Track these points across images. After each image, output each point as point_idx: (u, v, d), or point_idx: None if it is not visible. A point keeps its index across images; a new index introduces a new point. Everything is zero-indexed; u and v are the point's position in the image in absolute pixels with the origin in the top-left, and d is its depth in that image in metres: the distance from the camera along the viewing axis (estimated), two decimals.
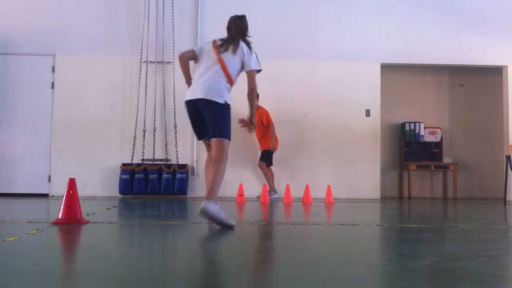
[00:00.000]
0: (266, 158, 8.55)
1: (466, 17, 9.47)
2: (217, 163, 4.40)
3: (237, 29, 4.79)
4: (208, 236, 3.99)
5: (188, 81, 4.77)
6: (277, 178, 8.73)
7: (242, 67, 4.66)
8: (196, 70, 4.70)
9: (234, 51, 4.64)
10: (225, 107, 4.48)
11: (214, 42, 4.77)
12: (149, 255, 3.11)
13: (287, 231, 4.37)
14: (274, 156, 8.69)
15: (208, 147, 4.66)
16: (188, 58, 4.77)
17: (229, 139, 4.52)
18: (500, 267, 2.77)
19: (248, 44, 4.75)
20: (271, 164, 8.65)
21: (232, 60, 4.62)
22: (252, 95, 4.70)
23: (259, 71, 4.72)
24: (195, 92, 4.53)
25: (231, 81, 4.59)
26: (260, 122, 8.39)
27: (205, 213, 4.20)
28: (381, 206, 7.51)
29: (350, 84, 9.19)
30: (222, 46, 4.69)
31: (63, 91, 8.95)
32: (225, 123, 4.49)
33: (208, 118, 4.48)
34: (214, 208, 4.20)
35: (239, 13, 4.99)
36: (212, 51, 4.67)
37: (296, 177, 8.99)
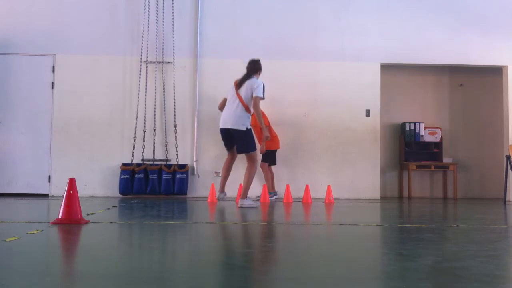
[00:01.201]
0: (268, 158, 8.53)
1: (466, 17, 9.47)
2: (250, 169, 6.58)
3: (249, 70, 6.74)
4: (208, 236, 3.99)
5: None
6: (277, 178, 8.73)
7: (251, 94, 6.54)
8: (226, 103, 6.75)
9: (245, 86, 6.57)
10: (247, 132, 6.56)
11: (235, 82, 6.71)
12: (149, 255, 3.11)
13: (287, 231, 4.38)
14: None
15: (230, 154, 6.83)
16: (222, 106, 6.86)
17: (255, 150, 6.62)
18: (500, 267, 2.77)
19: (255, 78, 6.69)
20: (274, 164, 8.62)
21: (245, 92, 6.55)
22: (257, 115, 6.55)
23: (262, 98, 6.54)
24: (226, 122, 6.59)
25: (248, 110, 6.56)
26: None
27: (242, 207, 6.40)
28: (381, 206, 7.51)
29: (350, 84, 9.19)
30: (239, 85, 6.63)
31: (63, 91, 8.96)
32: (248, 142, 6.55)
33: (236, 140, 6.58)
34: (247, 202, 6.51)
35: (255, 58, 6.95)
36: (233, 90, 6.65)
37: (296, 177, 9.00)
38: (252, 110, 6.65)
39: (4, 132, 8.89)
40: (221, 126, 6.70)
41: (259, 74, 6.79)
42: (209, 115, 8.98)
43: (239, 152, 6.67)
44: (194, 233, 4.14)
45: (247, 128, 6.57)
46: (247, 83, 6.59)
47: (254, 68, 6.76)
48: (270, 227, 4.60)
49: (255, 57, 6.95)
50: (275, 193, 8.50)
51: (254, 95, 6.51)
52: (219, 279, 2.36)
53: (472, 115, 10.57)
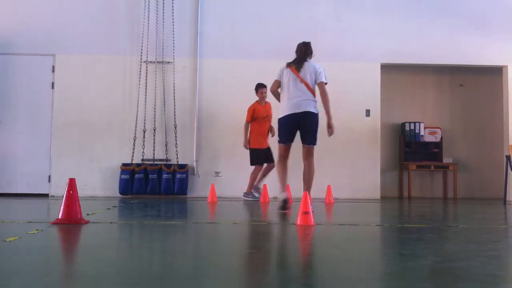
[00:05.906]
0: (250, 156, 8.19)
1: (466, 17, 9.46)
2: (311, 162, 6.18)
3: (302, 52, 6.13)
4: (208, 236, 3.99)
5: (279, 100, 6.19)
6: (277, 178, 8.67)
7: (315, 80, 6.00)
8: (285, 90, 6.04)
9: (307, 70, 5.98)
10: (317, 116, 6.09)
11: (290, 66, 6.04)
12: (149, 255, 3.11)
13: (287, 231, 4.38)
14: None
15: (286, 151, 6.28)
16: (277, 87, 6.18)
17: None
18: (500, 267, 2.77)
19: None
20: (256, 164, 8.16)
21: (309, 77, 5.97)
22: (326, 102, 6.09)
23: (326, 83, 6.06)
24: (297, 107, 5.95)
25: (314, 93, 6.02)
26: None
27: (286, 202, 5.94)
28: (381, 206, 7.51)
29: (350, 84, 9.17)
30: (298, 69, 6.00)
31: (63, 91, 8.95)
32: (316, 131, 6.12)
33: (306, 127, 6.05)
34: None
35: (306, 40, 6.29)
36: (293, 74, 5.99)
37: (296, 177, 8.97)
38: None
39: (4, 132, 8.89)
40: (290, 112, 6.00)
41: (310, 56, 6.20)
42: (209, 115, 8.98)
43: (310, 143, 6.13)
44: (194, 233, 4.14)
45: (317, 111, 6.10)
46: (309, 69, 6.01)
47: (305, 51, 6.15)
48: (270, 227, 4.60)
49: (306, 40, 6.32)
50: (250, 194, 8.10)
51: (320, 81, 6.02)
52: (219, 279, 2.36)
53: (472, 115, 10.57)
